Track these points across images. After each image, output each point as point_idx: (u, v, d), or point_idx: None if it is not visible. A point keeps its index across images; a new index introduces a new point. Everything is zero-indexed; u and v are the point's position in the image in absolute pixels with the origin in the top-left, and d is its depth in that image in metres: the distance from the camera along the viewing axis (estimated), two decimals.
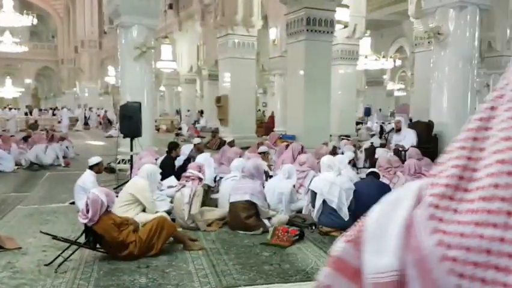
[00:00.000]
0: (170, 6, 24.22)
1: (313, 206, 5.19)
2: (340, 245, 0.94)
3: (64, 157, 11.39)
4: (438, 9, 8.15)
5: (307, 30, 10.81)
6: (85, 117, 29.52)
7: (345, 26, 13.82)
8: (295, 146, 8.00)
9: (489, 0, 8.31)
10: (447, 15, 8.00)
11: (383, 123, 23.45)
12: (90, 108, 31.72)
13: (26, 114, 29.00)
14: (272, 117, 20.51)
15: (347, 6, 13.66)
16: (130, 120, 7.04)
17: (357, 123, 20.82)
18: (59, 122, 25.70)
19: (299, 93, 11.19)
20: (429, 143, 7.87)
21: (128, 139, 7.52)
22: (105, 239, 4.13)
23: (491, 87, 19.76)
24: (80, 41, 37.50)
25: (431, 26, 8.18)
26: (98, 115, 30.58)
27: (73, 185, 6.48)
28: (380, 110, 27.80)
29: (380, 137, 17.28)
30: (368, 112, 26.50)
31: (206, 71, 21.59)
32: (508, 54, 18.14)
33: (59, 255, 4.05)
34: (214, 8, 15.83)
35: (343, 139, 11.53)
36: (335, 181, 4.99)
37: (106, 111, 30.52)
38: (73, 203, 6.37)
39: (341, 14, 12.34)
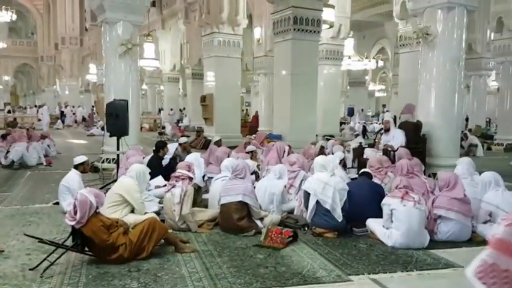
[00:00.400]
0: (153, 4, 23.92)
1: (306, 207, 5.10)
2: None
3: (46, 156, 11.13)
4: (427, 10, 8.14)
5: (294, 30, 10.77)
6: (62, 114, 28.99)
7: (331, 26, 13.80)
8: (280, 145, 7.90)
9: (476, 1, 8.34)
10: (435, 16, 8.00)
11: (365, 123, 23.69)
12: (66, 107, 31.21)
13: (9, 111, 28.27)
14: (256, 116, 20.42)
15: (332, 7, 13.66)
16: (116, 119, 6.85)
17: (341, 123, 20.93)
18: (39, 120, 25.15)
19: (285, 93, 11.12)
20: (418, 143, 7.86)
21: (113, 138, 7.32)
22: (94, 241, 3.96)
23: (471, 88, 20.05)
24: (61, 38, 36.88)
25: (420, 26, 8.17)
26: (74, 113, 30.08)
27: (55, 184, 6.29)
28: (362, 110, 28.08)
29: (363, 137, 17.38)
30: (351, 112, 26.68)
31: (189, 70, 21.38)
32: (487, 56, 18.40)
33: (44, 259, 3.89)
34: (199, 6, 15.65)
35: (328, 139, 11.49)
36: (328, 181, 4.90)
37: (93, 109, 30.03)
38: (57, 203, 6.18)
39: (326, 14, 12.30)
